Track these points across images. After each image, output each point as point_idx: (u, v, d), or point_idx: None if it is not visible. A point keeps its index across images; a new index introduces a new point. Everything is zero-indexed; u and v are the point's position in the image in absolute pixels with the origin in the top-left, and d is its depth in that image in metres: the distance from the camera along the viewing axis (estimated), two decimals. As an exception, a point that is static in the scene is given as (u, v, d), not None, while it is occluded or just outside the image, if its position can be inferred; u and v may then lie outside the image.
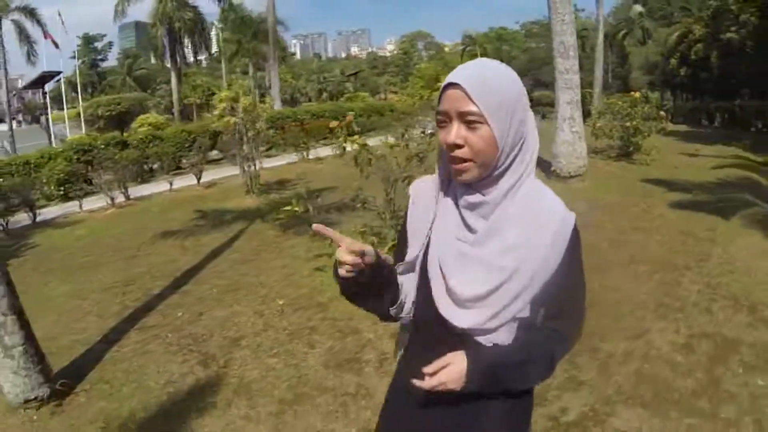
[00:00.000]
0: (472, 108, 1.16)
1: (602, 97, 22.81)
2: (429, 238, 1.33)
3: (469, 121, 1.17)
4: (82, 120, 29.98)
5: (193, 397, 3.69)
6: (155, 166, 17.50)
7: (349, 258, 1.16)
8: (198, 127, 20.12)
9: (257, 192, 10.75)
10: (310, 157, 16.74)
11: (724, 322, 4.24)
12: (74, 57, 57.80)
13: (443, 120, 1.22)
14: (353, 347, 4.16)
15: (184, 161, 17.67)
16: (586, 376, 3.51)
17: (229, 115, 10.10)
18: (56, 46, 32.13)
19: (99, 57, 78.65)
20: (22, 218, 11.17)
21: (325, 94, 63.49)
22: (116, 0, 32.15)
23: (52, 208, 12.76)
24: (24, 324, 4.00)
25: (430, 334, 1.32)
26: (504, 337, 1.24)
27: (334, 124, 5.76)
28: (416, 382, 1.19)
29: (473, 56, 38.34)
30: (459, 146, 1.19)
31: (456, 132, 1.19)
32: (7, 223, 10.63)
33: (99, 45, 78.19)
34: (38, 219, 11.35)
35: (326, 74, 69.93)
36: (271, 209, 9.42)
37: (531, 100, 1.34)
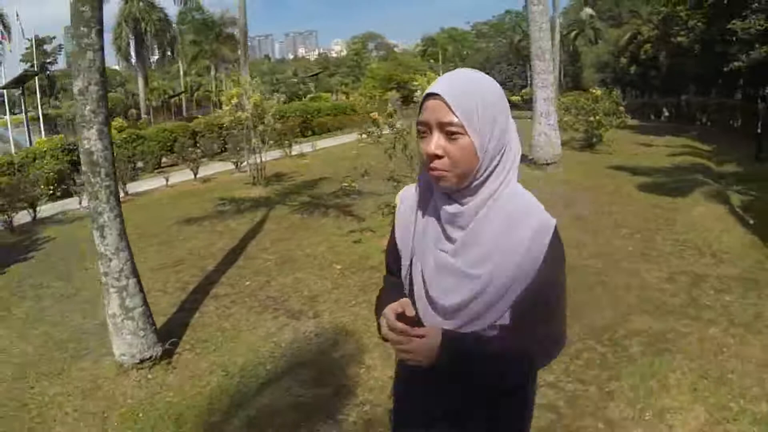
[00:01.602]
0: (452, 119, 1.18)
1: (558, 95, 24.31)
2: (413, 247, 1.36)
3: (449, 131, 1.19)
4: (41, 123, 29.49)
5: (299, 343, 4.36)
6: (139, 164, 17.91)
7: (394, 336, 1.22)
8: (178, 127, 20.62)
9: (263, 183, 11.54)
10: (293, 153, 17.49)
11: (693, 263, 5.49)
12: (23, 60, 56.32)
13: (424, 130, 1.24)
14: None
15: (164, 159, 18.22)
16: (603, 300, 4.67)
17: (239, 111, 10.80)
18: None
19: (48, 60, 76.48)
20: (21, 216, 11.23)
21: (278, 95, 63.69)
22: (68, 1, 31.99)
23: (44, 206, 12.71)
24: (141, 288, 4.38)
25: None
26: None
27: (375, 115, 6.63)
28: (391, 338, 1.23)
29: (434, 57, 39.62)
30: (439, 156, 1.21)
31: (436, 142, 1.20)
32: (11, 220, 10.79)
33: (48, 48, 76.00)
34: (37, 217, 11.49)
35: (278, 75, 69.96)
36: (283, 197, 10.31)
37: None
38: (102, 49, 4.23)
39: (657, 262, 5.53)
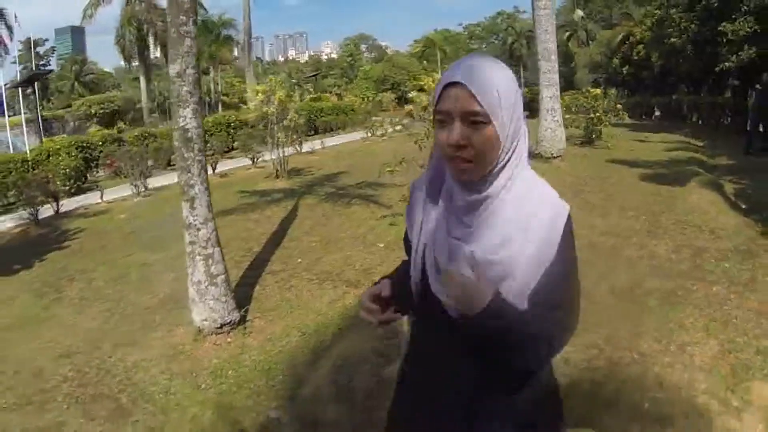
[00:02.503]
0: (477, 108, 1.18)
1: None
2: (422, 235, 1.37)
3: (474, 121, 1.19)
4: (40, 126, 29.76)
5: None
6: (150, 162, 18.43)
7: (368, 316, 1.42)
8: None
9: (286, 176, 12.22)
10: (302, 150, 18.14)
11: (694, 238, 6.26)
12: (15, 62, 56.40)
13: (444, 119, 1.23)
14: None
15: (173, 157, 18.69)
16: (619, 268, 5.43)
17: (265, 107, 11.46)
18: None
19: (41, 62, 76.42)
20: (43, 210, 11.52)
21: (299, 91, 64.16)
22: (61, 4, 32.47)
23: (62, 201, 12.96)
24: (223, 257, 4.80)
25: (430, 325, 1.38)
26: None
27: (409, 108, 7.31)
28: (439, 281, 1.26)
29: (428, 59, 40.24)
30: (463, 147, 1.20)
31: (460, 132, 1.20)
32: (37, 213, 11.15)
33: (41, 50, 75.92)
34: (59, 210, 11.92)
35: (271, 76, 70.18)
36: (308, 188, 10.99)
37: None
38: (196, 36, 4.82)
39: (662, 238, 6.30)
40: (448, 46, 49.63)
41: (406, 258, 1.55)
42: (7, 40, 33.73)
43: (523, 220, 1.22)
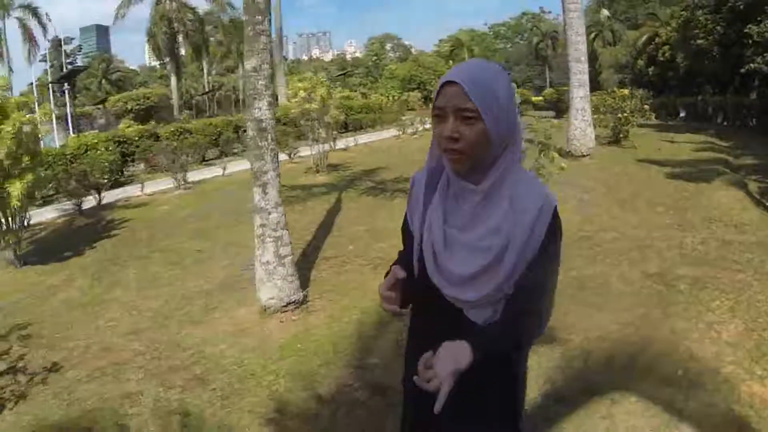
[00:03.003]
0: (469, 105, 1.30)
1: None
2: (423, 224, 1.49)
3: (466, 117, 1.31)
4: (69, 122, 30.47)
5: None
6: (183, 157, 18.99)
7: (389, 307, 1.48)
8: (222, 121, 21.87)
9: (326, 171, 12.80)
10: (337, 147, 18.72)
11: (720, 232, 6.71)
12: (44, 60, 57.74)
13: (440, 114, 1.35)
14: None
15: (208, 152, 19.25)
16: (651, 256, 5.90)
17: (307, 103, 12.02)
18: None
19: (69, 60, 78.02)
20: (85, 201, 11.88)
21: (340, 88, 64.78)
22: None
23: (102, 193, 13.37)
24: (290, 240, 5.12)
25: (429, 309, 1.49)
26: (490, 312, 1.40)
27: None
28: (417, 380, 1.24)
29: (453, 58, 40.51)
30: (455, 139, 1.32)
31: (453, 126, 1.32)
32: (81, 204, 11.60)
33: (68, 48, 77.49)
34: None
35: (298, 75, 70.87)
36: (348, 183, 11.51)
37: None
38: (271, 34, 5.36)
39: (690, 231, 6.75)
40: (475, 46, 49.55)
41: (402, 249, 1.70)
42: (40, 37, 34.60)
43: (512, 212, 1.34)
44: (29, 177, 7.63)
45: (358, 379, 3.94)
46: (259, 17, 5.16)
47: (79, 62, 77.25)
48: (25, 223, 8.18)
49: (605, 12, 42.31)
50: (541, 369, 3.68)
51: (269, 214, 5.11)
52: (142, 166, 16.85)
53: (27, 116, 7.91)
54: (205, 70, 49.09)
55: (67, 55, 76.63)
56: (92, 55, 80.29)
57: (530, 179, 1.41)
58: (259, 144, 5.09)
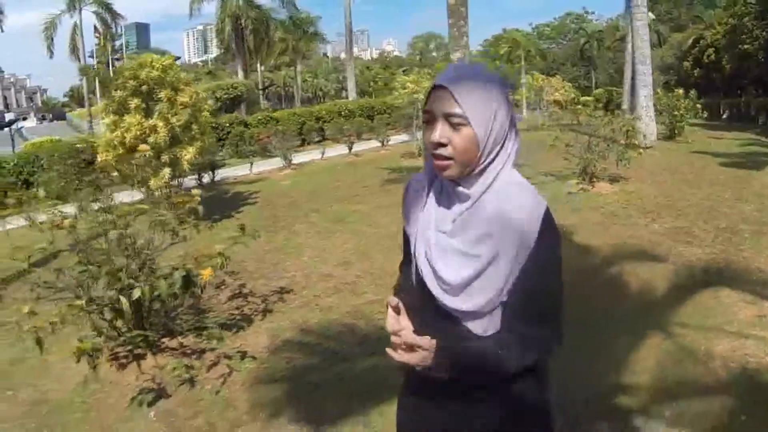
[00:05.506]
0: (456, 110, 1.28)
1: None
2: (417, 231, 1.47)
3: (453, 122, 1.29)
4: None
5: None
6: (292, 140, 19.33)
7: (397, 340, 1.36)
8: (305, 111, 24.16)
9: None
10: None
11: (772, 208, 8.69)
12: (92, 56, 60.74)
13: (429, 119, 1.34)
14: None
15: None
16: (719, 218, 7.95)
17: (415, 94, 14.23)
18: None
19: (116, 56, 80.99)
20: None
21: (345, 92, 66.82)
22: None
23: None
24: None
25: (427, 318, 1.45)
26: (488, 322, 1.38)
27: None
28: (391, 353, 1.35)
29: (498, 59, 41.82)
30: (442, 145, 1.30)
31: (440, 131, 1.31)
32: (202, 178, 12.67)
33: (116, 45, 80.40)
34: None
35: (343, 74, 72.92)
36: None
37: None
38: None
39: (746, 203, 8.69)
40: (533, 46, 48.70)
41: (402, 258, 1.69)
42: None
43: (502, 218, 1.31)
44: (198, 144, 8.54)
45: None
46: (462, 22, 7.34)
47: (124, 59, 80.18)
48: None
49: (651, 15, 43.26)
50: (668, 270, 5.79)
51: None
52: (256, 146, 18.67)
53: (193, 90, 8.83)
54: (258, 67, 51.49)
55: (114, 51, 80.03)
56: (134, 51, 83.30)
57: (521, 184, 1.38)
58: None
